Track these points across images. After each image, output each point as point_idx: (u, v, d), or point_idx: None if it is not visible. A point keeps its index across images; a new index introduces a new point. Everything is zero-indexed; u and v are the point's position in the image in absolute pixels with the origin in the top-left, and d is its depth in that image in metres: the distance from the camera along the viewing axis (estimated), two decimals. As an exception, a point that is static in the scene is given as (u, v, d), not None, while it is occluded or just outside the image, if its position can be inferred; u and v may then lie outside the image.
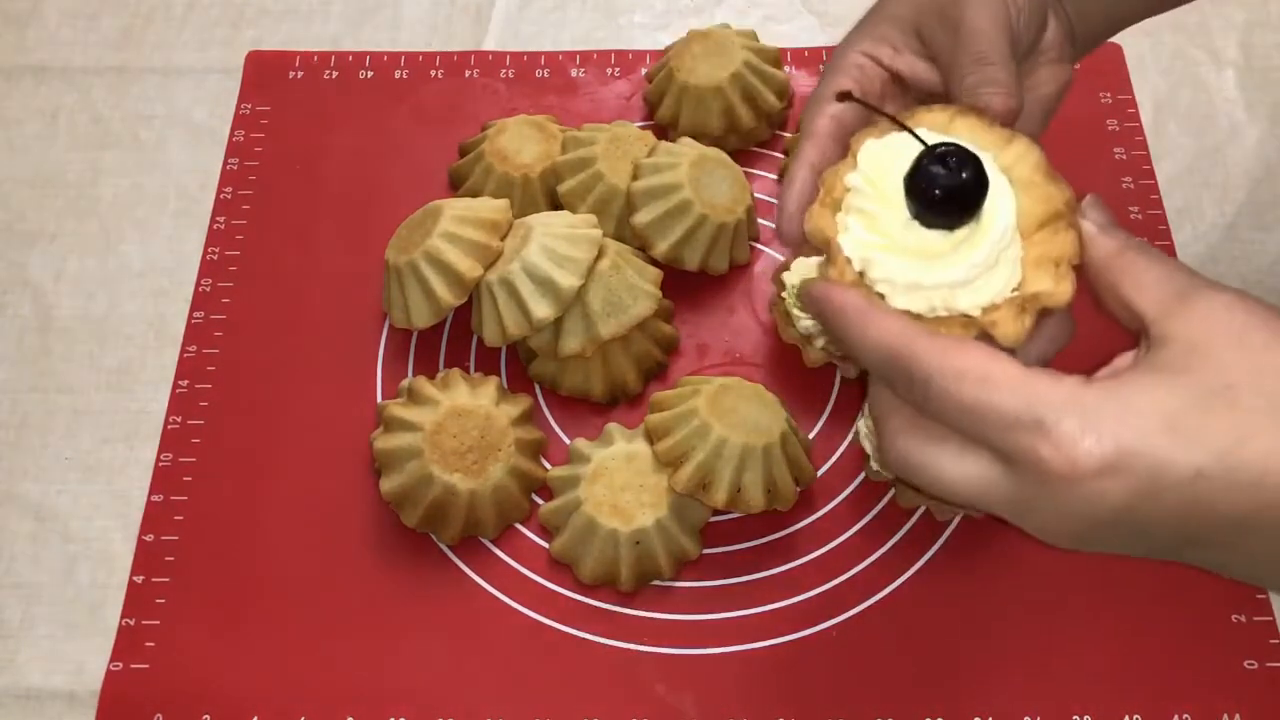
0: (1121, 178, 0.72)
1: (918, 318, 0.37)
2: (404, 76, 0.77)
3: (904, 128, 0.39)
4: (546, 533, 0.61)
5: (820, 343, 0.63)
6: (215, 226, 0.71)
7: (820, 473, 0.62)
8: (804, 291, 0.39)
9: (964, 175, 0.37)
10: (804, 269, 0.63)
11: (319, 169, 0.73)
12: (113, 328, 0.68)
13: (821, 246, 0.39)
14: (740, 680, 0.57)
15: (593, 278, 0.61)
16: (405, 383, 0.62)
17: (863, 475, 0.62)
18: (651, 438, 0.60)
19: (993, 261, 0.37)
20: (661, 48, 0.76)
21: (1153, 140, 0.73)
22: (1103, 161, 0.72)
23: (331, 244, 0.70)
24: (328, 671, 0.57)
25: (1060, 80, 0.49)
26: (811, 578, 0.59)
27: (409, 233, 0.64)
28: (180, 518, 0.61)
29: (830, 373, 0.65)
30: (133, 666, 0.57)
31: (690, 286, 0.67)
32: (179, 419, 0.64)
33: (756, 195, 0.70)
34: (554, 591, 0.59)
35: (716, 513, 0.60)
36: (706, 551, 0.60)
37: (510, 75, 0.77)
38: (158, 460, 0.63)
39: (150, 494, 0.62)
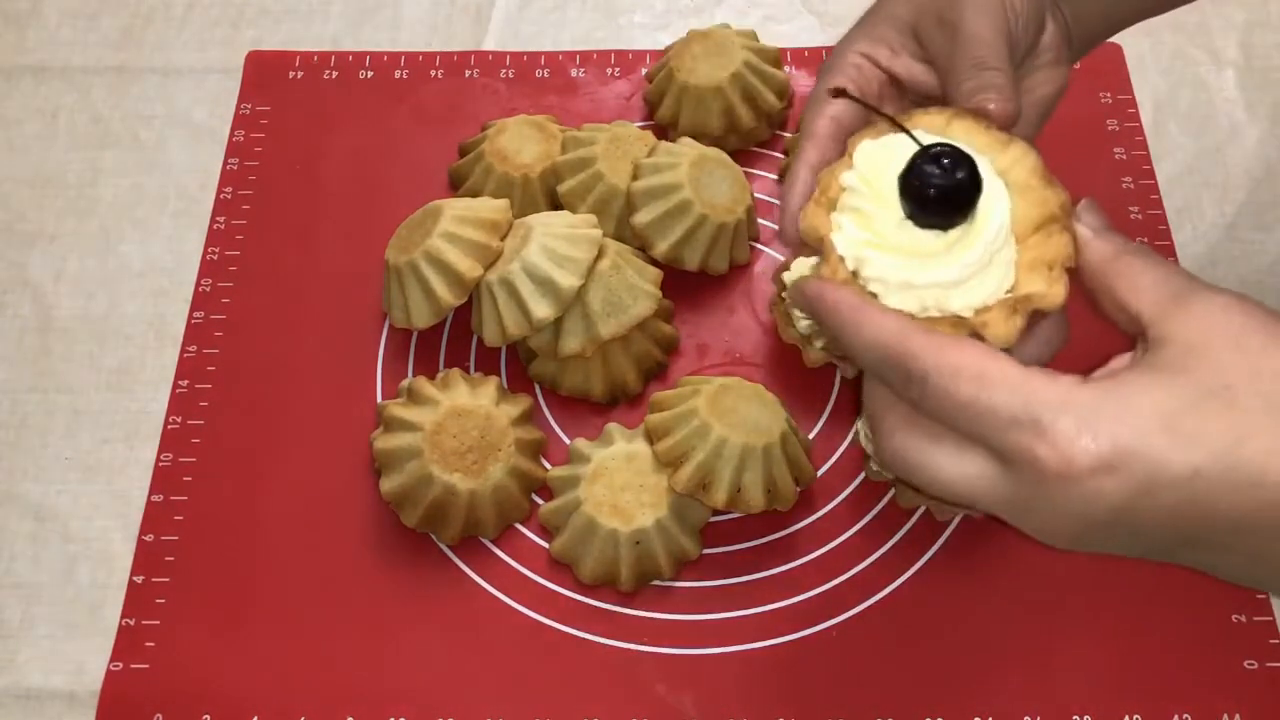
0: (1121, 178, 0.72)
1: (910, 317, 0.37)
2: (404, 76, 0.77)
3: (900, 127, 0.39)
4: (546, 533, 0.61)
5: (820, 343, 0.63)
6: (215, 226, 0.71)
7: (820, 473, 0.62)
8: (797, 289, 0.39)
9: (958, 175, 0.37)
10: (804, 269, 0.63)
11: (319, 169, 0.73)
12: (113, 328, 0.68)
13: (815, 245, 0.39)
14: (740, 680, 0.57)
15: (593, 278, 0.61)
16: (405, 383, 0.62)
17: (863, 475, 0.62)
18: (651, 438, 0.60)
19: (986, 262, 0.37)
20: (661, 48, 0.76)
21: (1153, 140, 0.73)
22: (1103, 161, 0.72)
23: (331, 244, 0.70)
24: (328, 671, 0.57)
25: (1057, 83, 0.49)
26: (811, 578, 0.59)
27: (409, 233, 0.64)
28: (180, 518, 0.61)
29: (830, 373, 0.65)
30: (133, 666, 0.57)
31: (690, 286, 0.67)
32: (179, 419, 0.64)
33: (756, 195, 0.70)
34: (554, 591, 0.59)
35: (716, 513, 0.60)
36: (706, 551, 0.60)
37: (510, 75, 0.77)
38: (158, 460, 0.63)
39: (150, 494, 0.62)
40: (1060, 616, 0.58)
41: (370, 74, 0.77)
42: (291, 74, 0.77)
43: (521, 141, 0.69)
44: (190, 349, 0.67)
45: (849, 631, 0.58)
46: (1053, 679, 0.57)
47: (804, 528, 0.61)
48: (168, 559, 0.60)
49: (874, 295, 0.38)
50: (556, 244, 0.61)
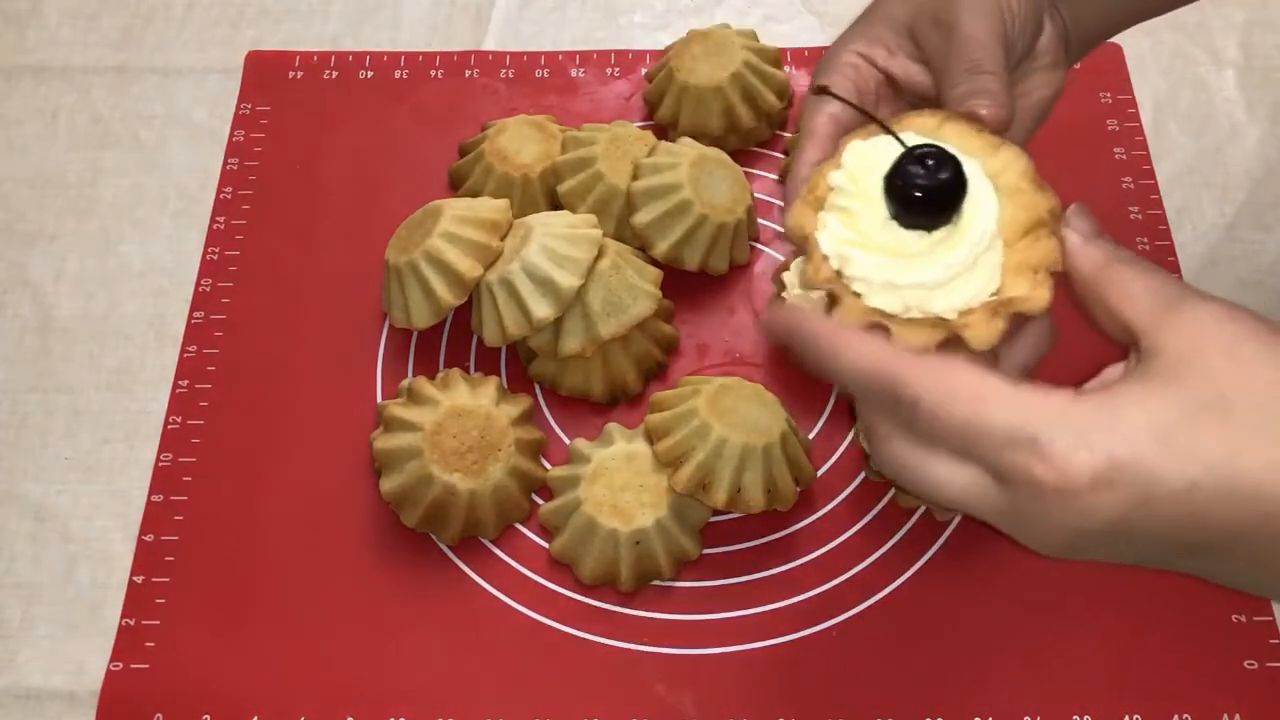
0: (1121, 178, 0.72)
1: (891, 318, 0.37)
2: (404, 76, 0.77)
3: (886, 129, 0.39)
4: (546, 533, 0.61)
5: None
6: (215, 226, 0.71)
7: (820, 473, 0.62)
8: (769, 323, 0.38)
9: (942, 176, 0.37)
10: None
11: (319, 169, 0.73)
12: (113, 328, 0.68)
13: (800, 243, 0.39)
14: (740, 680, 0.57)
15: (593, 278, 0.61)
16: (405, 383, 0.62)
17: (863, 475, 0.62)
18: (651, 438, 0.60)
19: (970, 264, 0.37)
20: (661, 48, 0.76)
21: (1153, 140, 0.73)
22: (1103, 161, 0.72)
23: (331, 244, 0.70)
24: (328, 671, 0.57)
25: (1053, 86, 0.49)
26: (811, 578, 0.59)
27: (409, 233, 0.64)
28: (180, 518, 0.61)
29: (830, 373, 0.65)
30: (133, 666, 0.57)
31: (690, 286, 0.67)
32: (179, 419, 0.64)
33: (756, 195, 0.70)
34: (554, 591, 0.59)
35: (716, 513, 0.60)
36: (706, 551, 0.60)
37: (510, 75, 0.77)
38: (158, 460, 0.63)
39: (150, 494, 0.62)
40: (1060, 617, 0.58)
41: (370, 74, 0.77)
42: (291, 74, 0.77)
43: (521, 141, 0.69)
44: (190, 349, 0.67)
45: (849, 631, 0.58)
46: (1053, 679, 0.57)
47: (804, 528, 0.61)
48: (168, 559, 0.60)
49: (857, 295, 0.38)
50: (556, 244, 0.61)
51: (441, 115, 0.75)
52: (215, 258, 0.70)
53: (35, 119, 0.76)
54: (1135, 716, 0.56)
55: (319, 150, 0.74)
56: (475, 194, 0.69)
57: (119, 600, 0.59)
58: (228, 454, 0.63)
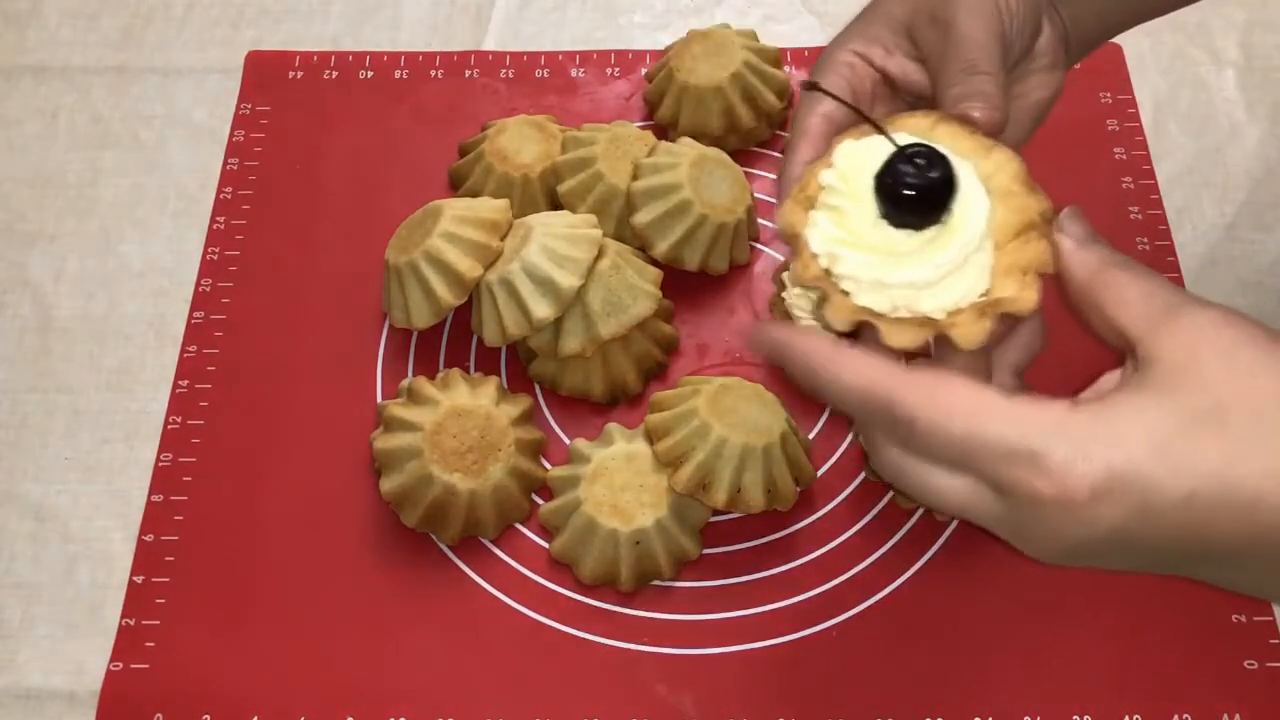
0: (1121, 178, 0.72)
1: (879, 316, 0.37)
2: (404, 76, 0.77)
3: (877, 127, 0.39)
4: (546, 533, 0.61)
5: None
6: (215, 226, 0.71)
7: (820, 473, 0.62)
8: (760, 340, 0.39)
9: (932, 175, 0.37)
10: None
11: (319, 169, 0.73)
12: (113, 328, 0.68)
13: (790, 241, 0.39)
14: (740, 680, 0.57)
15: (593, 278, 0.61)
16: (405, 383, 0.62)
17: (863, 475, 0.62)
18: (651, 438, 0.60)
19: (959, 264, 0.37)
20: (661, 48, 0.76)
21: (1153, 140, 0.73)
22: (1103, 161, 0.72)
23: (331, 244, 0.70)
24: (328, 671, 0.57)
25: (1051, 87, 0.49)
26: (811, 578, 0.59)
27: (409, 233, 0.64)
28: (180, 518, 0.61)
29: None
30: (133, 666, 0.57)
31: (690, 286, 0.67)
32: (179, 419, 0.64)
33: (756, 195, 0.70)
34: (554, 591, 0.59)
35: (716, 513, 0.60)
36: (706, 551, 0.60)
37: (510, 75, 0.77)
38: (158, 460, 0.63)
39: (150, 494, 0.62)
40: (1060, 616, 0.58)
41: (370, 74, 0.77)
42: (291, 74, 0.77)
43: (521, 141, 0.69)
44: (190, 349, 0.67)
45: (849, 631, 0.58)
46: (1053, 679, 0.57)
47: (804, 528, 0.61)
48: (168, 559, 0.60)
49: (845, 294, 0.38)
50: (556, 244, 0.61)
51: (441, 115, 0.75)
52: (215, 258, 0.70)
53: (35, 119, 0.76)
54: (1135, 716, 0.56)
55: (319, 150, 0.74)
56: (475, 194, 0.69)
57: (119, 600, 0.59)
58: (228, 454, 0.63)
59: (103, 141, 0.75)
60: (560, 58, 0.78)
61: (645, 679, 0.57)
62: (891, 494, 0.61)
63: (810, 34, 0.79)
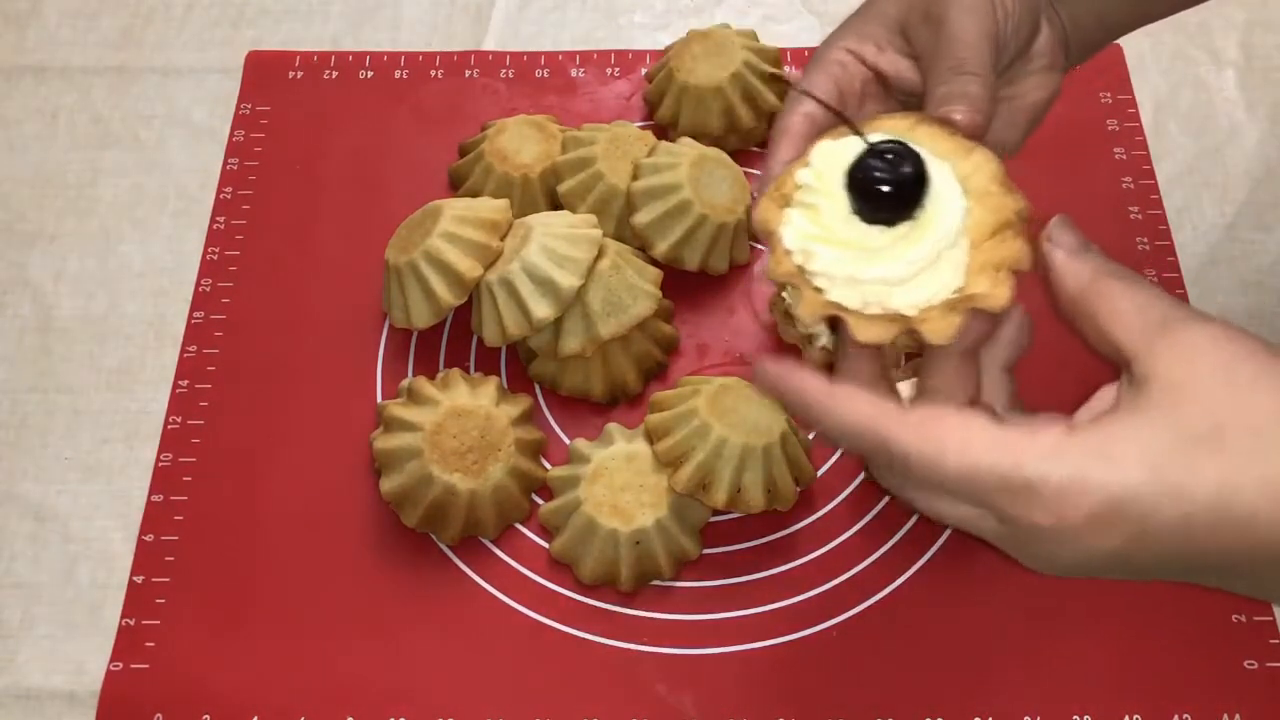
0: (1121, 178, 0.72)
1: (849, 311, 0.37)
2: (404, 76, 0.77)
3: (849, 125, 0.40)
4: (546, 533, 0.61)
5: (821, 342, 0.63)
6: (215, 226, 0.71)
7: (820, 473, 0.62)
8: (759, 374, 0.39)
9: (903, 170, 0.37)
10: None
11: (319, 169, 0.73)
12: (113, 328, 0.68)
13: (765, 238, 0.40)
14: (740, 680, 0.57)
15: (593, 278, 0.61)
16: (405, 383, 0.62)
17: (862, 475, 0.62)
18: (651, 438, 0.60)
19: (932, 261, 0.37)
20: (661, 48, 0.76)
21: (1153, 140, 0.73)
22: (1103, 161, 0.72)
23: (331, 244, 0.70)
24: (328, 671, 0.57)
25: (1048, 88, 0.49)
26: (811, 578, 0.59)
27: (409, 233, 0.64)
28: (180, 518, 0.61)
29: (830, 373, 0.65)
30: (133, 666, 0.57)
31: (690, 286, 0.67)
32: (179, 419, 0.64)
33: (756, 195, 0.70)
34: (554, 591, 0.59)
35: (716, 513, 0.60)
36: (706, 551, 0.60)
37: (510, 75, 0.77)
38: (158, 460, 0.63)
39: (150, 494, 0.62)
40: (1060, 617, 0.58)
41: (370, 74, 0.77)
42: (291, 74, 0.77)
43: (521, 141, 0.69)
44: (190, 349, 0.67)
45: (849, 631, 0.58)
46: (1053, 679, 0.57)
47: (804, 528, 0.61)
48: (168, 559, 0.60)
49: (818, 290, 0.38)
50: (556, 244, 0.61)
51: (441, 115, 0.75)
52: (215, 258, 0.70)
53: (35, 119, 0.76)
54: (1135, 716, 0.56)
55: (319, 150, 0.74)
56: (475, 194, 0.69)
57: (119, 600, 0.59)
58: (228, 454, 0.63)
59: (103, 141, 0.75)
60: (560, 58, 0.78)
61: (645, 679, 0.57)
62: (890, 495, 0.61)
63: (810, 34, 0.79)
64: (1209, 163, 0.73)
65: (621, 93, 0.76)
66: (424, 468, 0.58)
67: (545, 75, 0.77)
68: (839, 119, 0.40)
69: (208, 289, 0.69)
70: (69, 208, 0.72)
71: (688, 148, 0.67)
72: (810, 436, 0.63)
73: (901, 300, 0.37)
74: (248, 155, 0.74)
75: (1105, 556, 0.33)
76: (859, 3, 0.49)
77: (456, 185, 0.71)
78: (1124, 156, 0.73)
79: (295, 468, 0.63)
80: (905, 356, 0.63)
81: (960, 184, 0.38)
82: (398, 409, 0.59)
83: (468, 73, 0.77)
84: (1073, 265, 0.37)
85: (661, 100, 0.73)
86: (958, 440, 0.34)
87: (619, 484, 0.59)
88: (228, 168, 0.73)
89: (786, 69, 0.75)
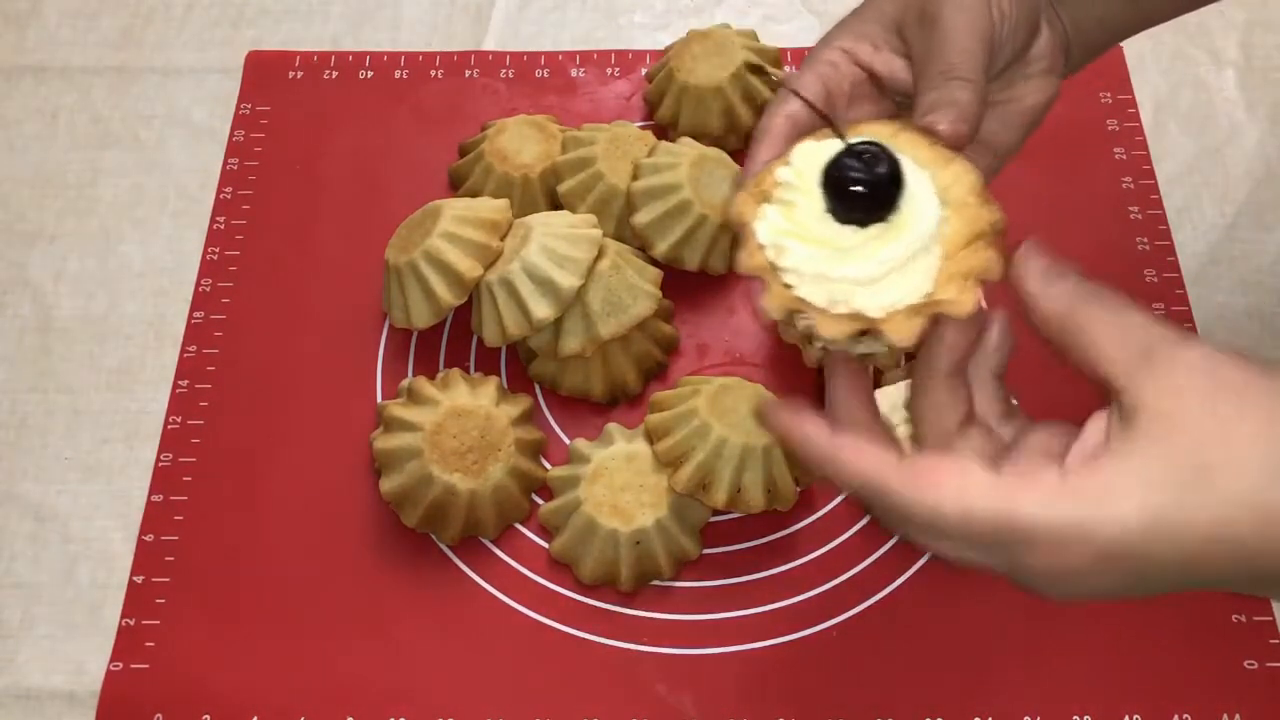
0: (1121, 178, 0.72)
1: (813, 308, 0.37)
2: (404, 76, 0.77)
3: (830, 125, 0.40)
4: (546, 533, 0.61)
5: (820, 342, 0.63)
6: (215, 226, 0.71)
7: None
8: (767, 418, 0.40)
9: (878, 171, 0.37)
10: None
11: (319, 169, 0.73)
12: (113, 328, 0.68)
13: (739, 231, 0.40)
14: (740, 680, 0.57)
15: (593, 278, 0.61)
16: (405, 383, 0.62)
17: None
18: (651, 438, 0.60)
19: (901, 263, 0.37)
20: (661, 48, 0.76)
21: (1153, 140, 0.73)
22: (1103, 161, 0.72)
23: (331, 244, 0.70)
24: (328, 671, 0.57)
25: (1046, 92, 0.48)
26: (811, 578, 0.59)
27: (409, 233, 0.64)
28: (180, 518, 0.61)
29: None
30: (133, 666, 0.57)
31: (690, 286, 0.67)
32: (179, 419, 0.64)
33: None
34: (554, 591, 0.59)
35: (716, 513, 0.60)
36: (706, 551, 0.60)
37: (510, 75, 0.77)
38: (158, 460, 0.63)
39: (150, 494, 0.62)
40: (1060, 617, 0.58)
41: (370, 74, 0.77)
42: (291, 74, 0.77)
43: (521, 141, 0.69)
44: (190, 349, 0.67)
45: (849, 631, 0.58)
46: (1053, 679, 0.57)
47: (804, 528, 0.61)
48: (168, 559, 0.60)
49: (788, 287, 0.38)
50: (556, 244, 0.61)
51: (441, 115, 0.75)
52: (215, 258, 0.70)
53: (35, 119, 0.76)
54: (1135, 716, 0.56)
55: (319, 150, 0.74)
56: (475, 194, 0.69)
57: (119, 600, 0.59)
58: (228, 454, 0.63)
59: (103, 141, 0.75)
60: (560, 58, 0.78)
61: (645, 679, 0.57)
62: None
63: (810, 34, 0.79)
64: (1209, 163, 0.73)
65: (621, 93, 0.76)
66: (424, 468, 0.58)
67: (545, 75, 0.77)
68: (821, 119, 0.40)
69: (208, 289, 0.69)
70: (69, 208, 0.72)
71: (688, 148, 0.67)
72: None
73: (868, 301, 0.37)
74: (248, 155, 0.74)
75: (1107, 590, 0.34)
76: (859, 2, 0.49)
77: (456, 185, 0.71)
78: (1124, 156, 0.73)
79: (295, 468, 0.63)
80: (905, 356, 0.63)
81: (939, 194, 0.39)
82: (398, 409, 0.59)
83: (468, 73, 0.77)
84: (1048, 294, 0.37)
85: (661, 100, 0.73)
86: (954, 491, 0.34)
87: (619, 484, 0.59)
88: (228, 168, 0.73)
89: (787, 69, 0.75)
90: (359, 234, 0.70)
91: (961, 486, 0.34)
